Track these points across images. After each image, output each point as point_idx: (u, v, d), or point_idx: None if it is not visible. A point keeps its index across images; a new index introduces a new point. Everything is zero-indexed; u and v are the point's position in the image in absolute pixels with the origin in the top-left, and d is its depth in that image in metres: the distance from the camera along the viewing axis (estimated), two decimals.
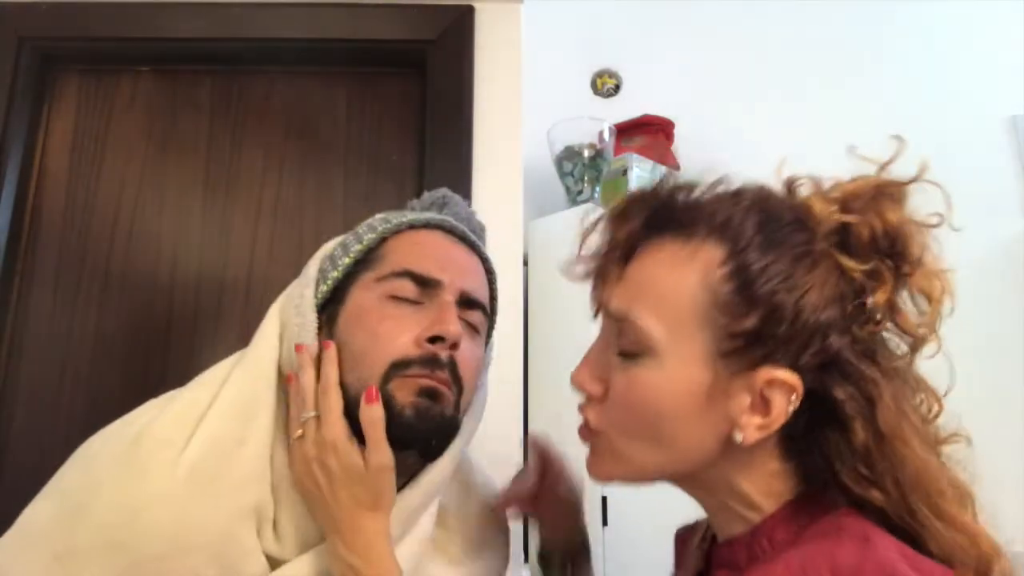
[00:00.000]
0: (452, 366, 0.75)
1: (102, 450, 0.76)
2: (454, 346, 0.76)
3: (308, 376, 0.75)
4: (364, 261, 0.80)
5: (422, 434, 0.74)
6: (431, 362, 0.74)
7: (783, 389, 0.58)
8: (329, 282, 0.81)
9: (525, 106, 1.49)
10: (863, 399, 0.58)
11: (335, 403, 0.73)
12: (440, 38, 1.50)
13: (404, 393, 0.73)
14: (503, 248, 1.31)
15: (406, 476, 0.78)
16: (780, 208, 0.62)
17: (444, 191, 0.93)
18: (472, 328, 0.80)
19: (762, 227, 0.60)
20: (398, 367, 0.73)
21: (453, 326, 0.75)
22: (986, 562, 0.58)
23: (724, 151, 1.90)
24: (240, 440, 0.74)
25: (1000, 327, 1.79)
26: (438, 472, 0.79)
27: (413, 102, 1.53)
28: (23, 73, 1.48)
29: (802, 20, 2.02)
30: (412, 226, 0.82)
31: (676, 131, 1.94)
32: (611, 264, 0.65)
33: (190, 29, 1.51)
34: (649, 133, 2.00)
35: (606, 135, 1.84)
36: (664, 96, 1.92)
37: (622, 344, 0.63)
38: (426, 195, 0.93)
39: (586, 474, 0.70)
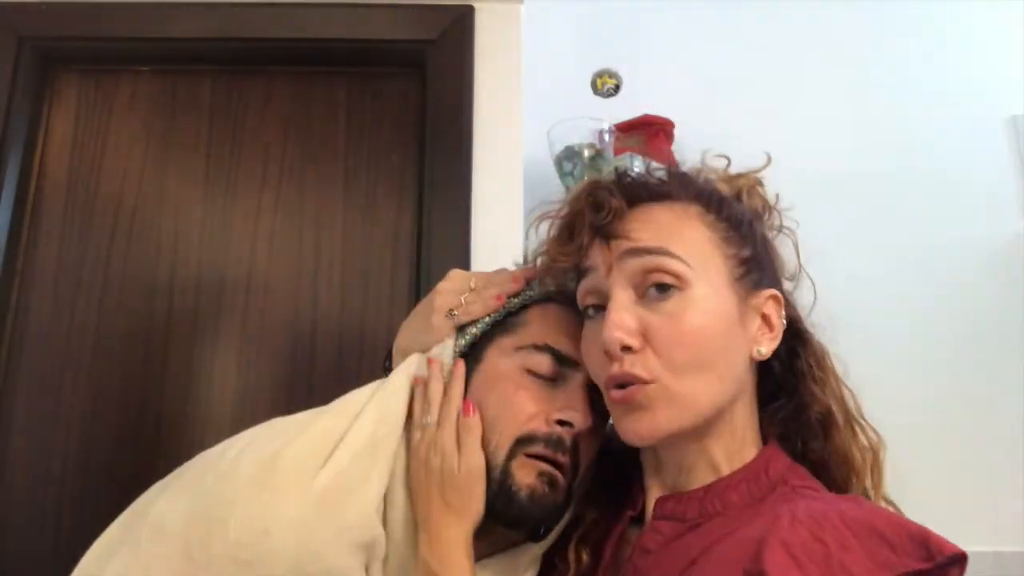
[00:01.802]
0: (575, 450, 0.77)
1: (239, 464, 0.77)
2: (579, 432, 0.78)
3: (436, 387, 0.80)
4: (503, 323, 0.83)
5: (532, 518, 0.77)
6: (556, 443, 0.76)
7: (776, 304, 0.74)
8: (468, 337, 0.83)
9: (525, 106, 1.49)
10: (803, 323, 0.78)
11: (455, 413, 0.78)
12: (440, 38, 1.50)
13: (524, 473, 0.76)
14: (503, 248, 1.31)
15: (505, 546, 0.81)
16: (715, 185, 0.80)
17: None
18: (599, 415, 0.81)
19: (718, 195, 0.77)
20: (523, 442, 0.76)
21: (583, 415, 0.77)
22: (875, 454, 0.75)
23: (723, 151, 1.89)
24: (365, 478, 0.76)
25: (1000, 327, 1.78)
26: (544, 544, 0.82)
27: (413, 102, 1.54)
28: (23, 73, 1.48)
29: (802, 20, 2.02)
30: (552, 299, 0.84)
31: (676, 131, 1.94)
32: (617, 220, 0.73)
33: (190, 29, 1.51)
34: (649, 133, 2.00)
35: (606, 135, 1.84)
36: (664, 96, 1.91)
37: (656, 279, 0.70)
38: None
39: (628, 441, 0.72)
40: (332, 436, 0.78)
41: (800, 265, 0.80)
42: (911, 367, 1.73)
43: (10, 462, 1.36)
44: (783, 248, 0.81)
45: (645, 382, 0.69)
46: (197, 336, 1.43)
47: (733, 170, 0.83)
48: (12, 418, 1.38)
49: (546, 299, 0.84)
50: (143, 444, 1.37)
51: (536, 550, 0.82)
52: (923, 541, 0.57)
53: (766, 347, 0.73)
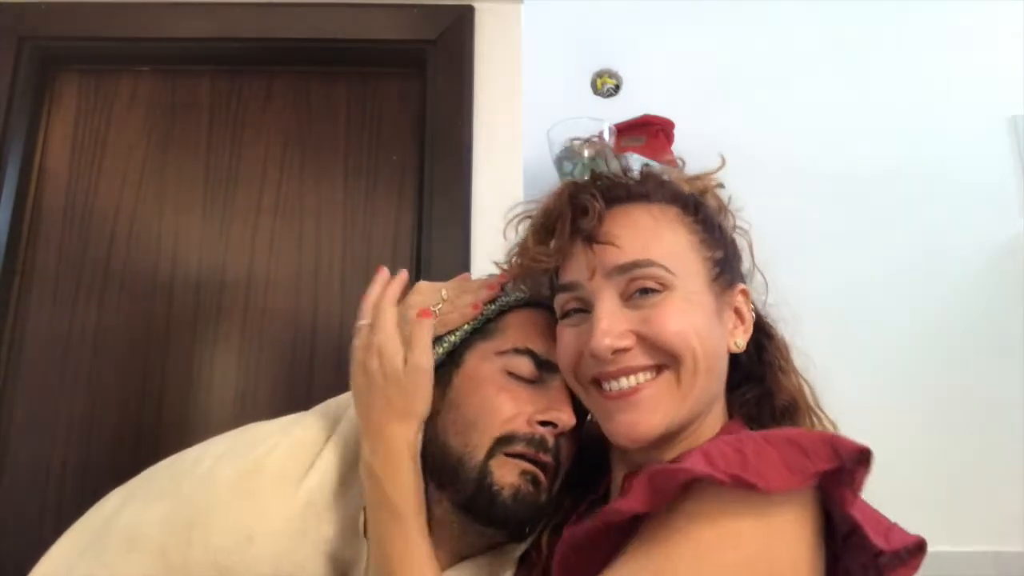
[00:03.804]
0: (557, 451, 0.78)
1: (219, 471, 0.77)
2: (562, 432, 0.78)
3: (374, 290, 0.80)
4: (481, 329, 0.83)
5: (515, 517, 0.76)
6: (539, 443, 0.77)
7: (745, 297, 0.78)
8: (446, 345, 0.83)
9: (525, 106, 1.49)
10: (767, 318, 0.81)
11: (389, 314, 0.78)
12: (440, 38, 1.50)
13: (505, 472, 0.75)
14: (503, 248, 1.31)
15: (486, 547, 0.81)
16: (685, 188, 0.81)
17: None
18: (579, 416, 0.82)
19: (695, 197, 0.79)
20: (504, 442, 0.76)
21: (566, 415, 0.78)
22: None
23: (724, 151, 1.89)
24: (347, 490, 0.77)
25: (1000, 327, 1.78)
26: (523, 544, 0.82)
27: (413, 102, 1.54)
28: (23, 73, 1.48)
29: (802, 20, 2.02)
30: (528, 304, 0.85)
31: (676, 131, 1.94)
32: (599, 224, 0.74)
33: (190, 29, 1.51)
34: (649, 133, 2.00)
35: (606, 135, 1.84)
36: (664, 96, 1.91)
37: (643, 284, 0.71)
38: None
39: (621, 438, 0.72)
40: (313, 444, 0.78)
41: (754, 263, 0.82)
42: (911, 366, 1.73)
43: (10, 462, 1.36)
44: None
45: (648, 367, 0.71)
46: (197, 336, 1.43)
47: (693, 170, 0.84)
48: (12, 418, 1.38)
49: (522, 304, 0.85)
50: (143, 444, 1.36)
51: (517, 551, 0.82)
52: (831, 443, 0.60)
53: (741, 339, 0.76)
